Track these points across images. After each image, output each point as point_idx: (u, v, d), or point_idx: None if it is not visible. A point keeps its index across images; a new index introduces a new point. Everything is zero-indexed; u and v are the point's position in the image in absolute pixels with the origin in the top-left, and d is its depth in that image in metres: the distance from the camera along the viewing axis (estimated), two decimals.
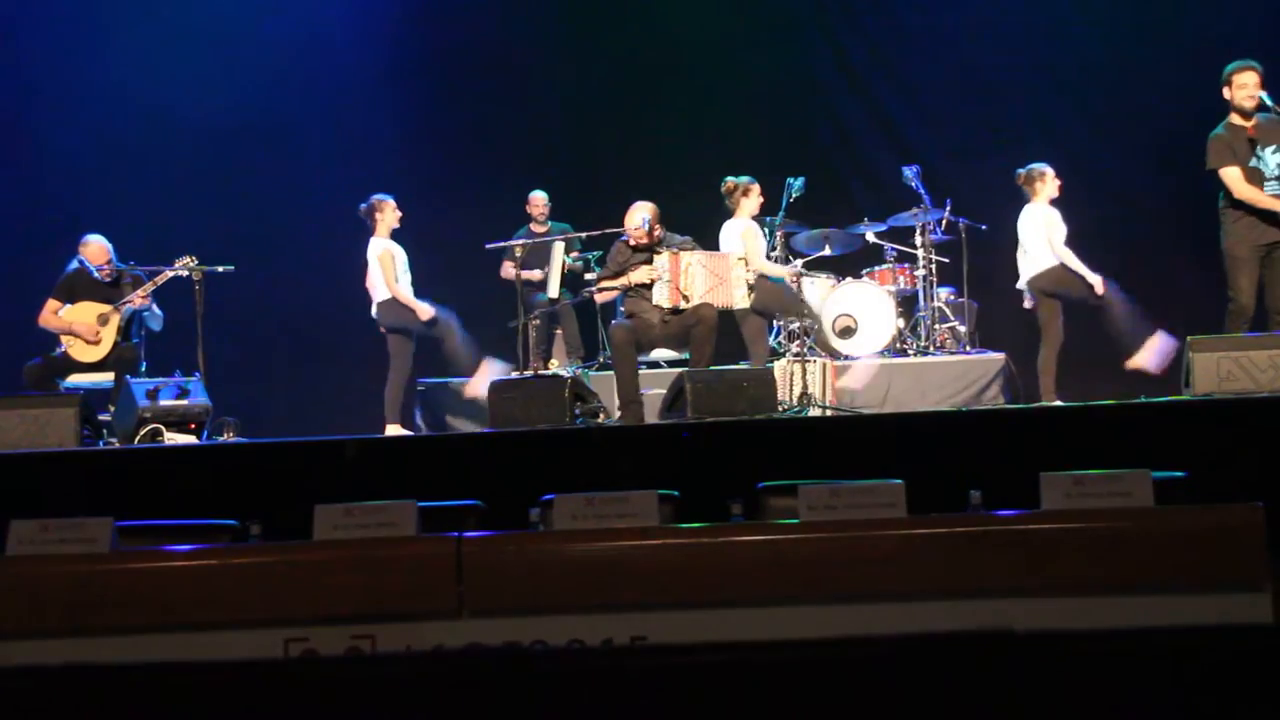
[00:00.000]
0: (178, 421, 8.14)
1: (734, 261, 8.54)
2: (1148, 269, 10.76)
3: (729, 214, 9.51)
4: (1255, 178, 7.86)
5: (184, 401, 8.21)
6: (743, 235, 9.37)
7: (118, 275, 8.96)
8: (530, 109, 11.74)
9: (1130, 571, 3.83)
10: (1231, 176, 7.88)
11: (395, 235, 9.63)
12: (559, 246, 10.22)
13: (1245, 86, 7.84)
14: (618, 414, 8.23)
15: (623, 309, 8.68)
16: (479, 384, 9.17)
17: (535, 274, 10.12)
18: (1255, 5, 10.69)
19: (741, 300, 8.55)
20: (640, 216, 8.58)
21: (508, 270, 10.01)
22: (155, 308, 8.97)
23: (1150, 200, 10.80)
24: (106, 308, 8.82)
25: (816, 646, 2.96)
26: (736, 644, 3.18)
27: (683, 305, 8.38)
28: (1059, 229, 8.93)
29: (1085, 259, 9.03)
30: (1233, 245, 7.94)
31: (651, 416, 8.25)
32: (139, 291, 8.84)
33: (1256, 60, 7.95)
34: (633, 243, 8.61)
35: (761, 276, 9.13)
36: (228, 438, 8.31)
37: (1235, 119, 7.92)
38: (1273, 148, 7.85)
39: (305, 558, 4.00)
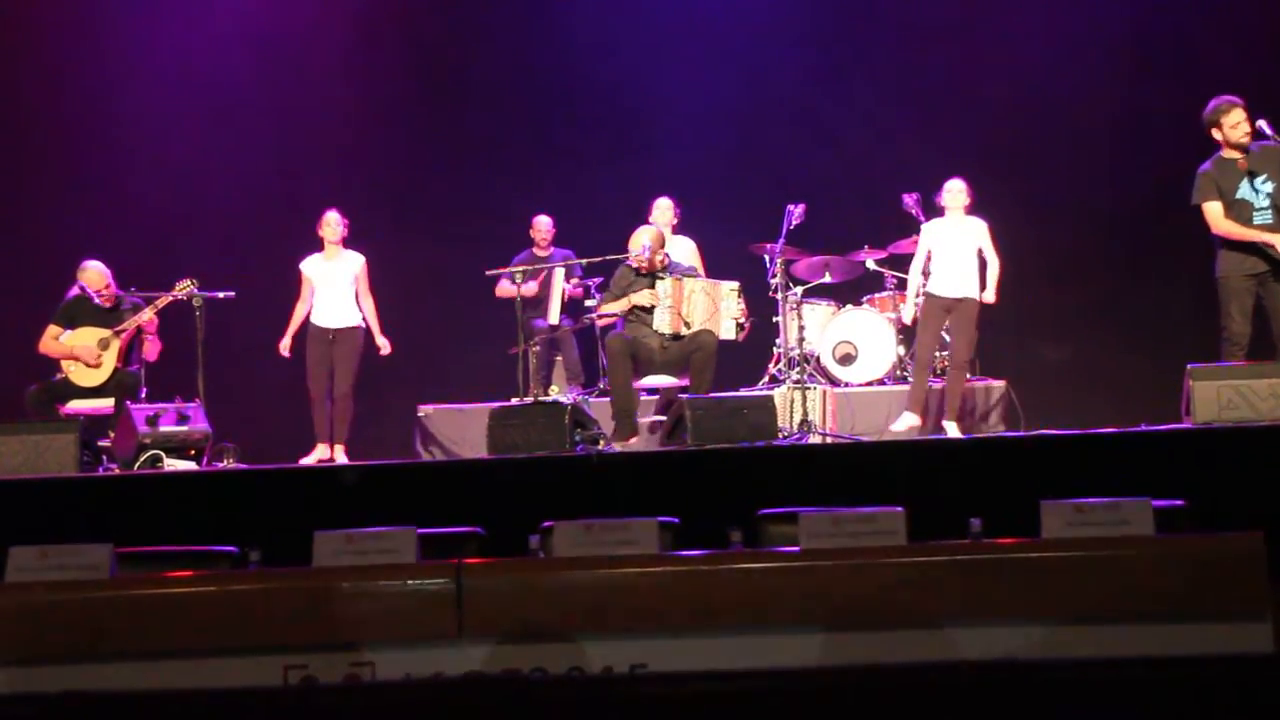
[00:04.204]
0: (178, 447, 8.13)
1: (726, 292, 8.51)
2: (1146, 297, 10.78)
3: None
4: (1243, 209, 7.89)
5: (184, 427, 8.20)
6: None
7: (117, 301, 8.97)
8: (531, 134, 11.77)
9: (1130, 600, 3.83)
10: (1211, 211, 7.93)
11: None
12: (559, 273, 10.22)
13: (1238, 125, 7.89)
14: (611, 426, 8.21)
15: (623, 333, 8.68)
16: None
17: (531, 287, 10.04)
18: (1253, 36, 10.72)
19: (729, 333, 8.49)
20: (643, 242, 8.59)
21: (503, 288, 9.98)
22: (156, 336, 8.98)
23: (1149, 228, 10.80)
24: (107, 333, 8.83)
25: (817, 675, 2.95)
26: (737, 672, 3.17)
27: (683, 331, 8.38)
28: None
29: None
30: (1224, 274, 7.97)
31: (651, 443, 8.24)
32: (142, 315, 8.85)
33: (1263, 89, 8.02)
34: (635, 265, 8.62)
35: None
36: (228, 464, 8.30)
37: (1226, 153, 7.96)
38: (1263, 178, 7.87)
39: (305, 584, 3.99)
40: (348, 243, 9.70)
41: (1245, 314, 7.89)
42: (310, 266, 9.71)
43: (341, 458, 9.39)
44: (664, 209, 9.91)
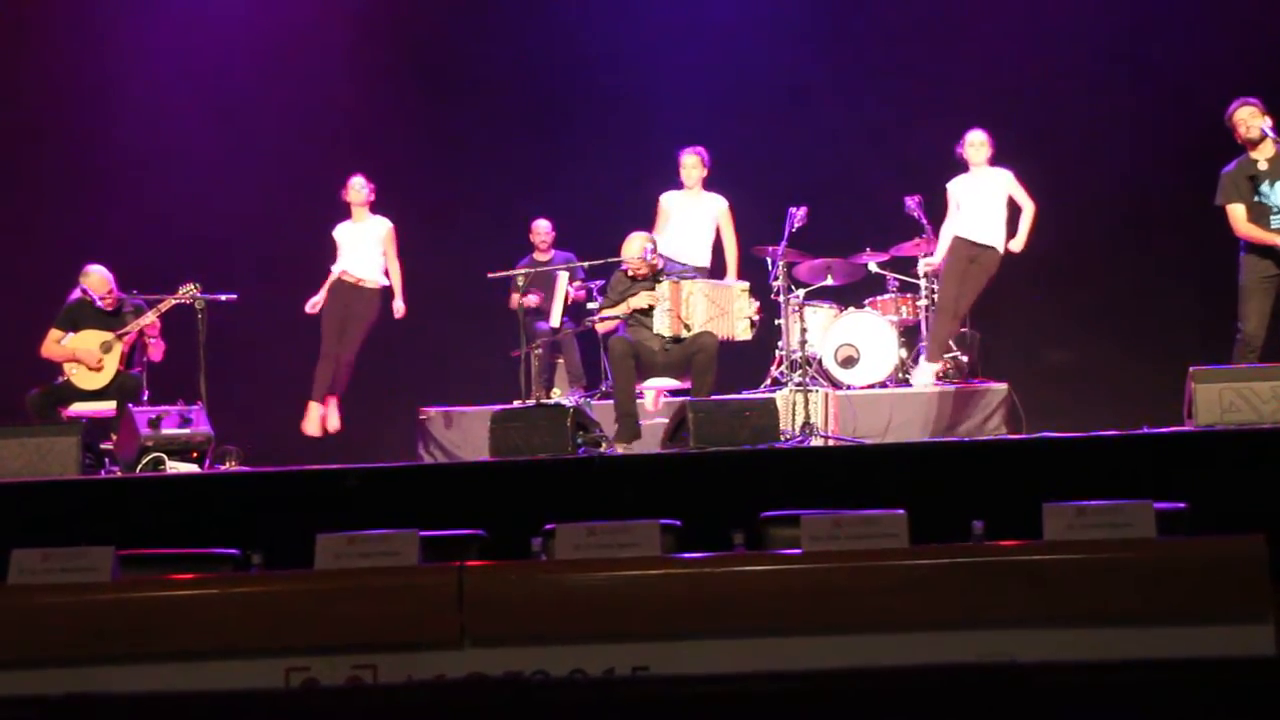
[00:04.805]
0: (180, 450, 8.14)
1: (738, 293, 8.51)
2: (1148, 299, 10.78)
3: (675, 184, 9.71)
4: (1261, 212, 7.93)
5: (186, 430, 8.21)
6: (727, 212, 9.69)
7: (119, 304, 8.97)
8: (531, 136, 11.77)
9: (1132, 603, 3.82)
10: (1234, 213, 7.98)
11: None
12: (563, 276, 10.21)
13: (1243, 121, 7.94)
14: (614, 428, 8.22)
15: (625, 336, 8.68)
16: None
17: (532, 299, 10.06)
18: (1256, 37, 10.72)
19: (744, 333, 8.51)
20: (638, 247, 8.58)
21: (515, 302, 9.97)
22: (160, 337, 8.98)
23: (1151, 230, 10.81)
24: (109, 336, 8.83)
25: (819, 678, 2.95)
26: (739, 675, 3.17)
27: (683, 334, 8.37)
28: None
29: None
30: (1242, 275, 8.02)
31: (653, 446, 8.24)
32: (145, 318, 8.85)
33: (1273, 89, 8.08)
34: (631, 273, 8.62)
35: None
36: (230, 466, 8.31)
37: (1254, 153, 8.00)
38: None
39: (307, 587, 4.00)
40: (375, 208, 9.83)
41: (1261, 316, 7.93)
42: (340, 232, 9.85)
43: (333, 414, 9.58)
44: (692, 165, 9.66)
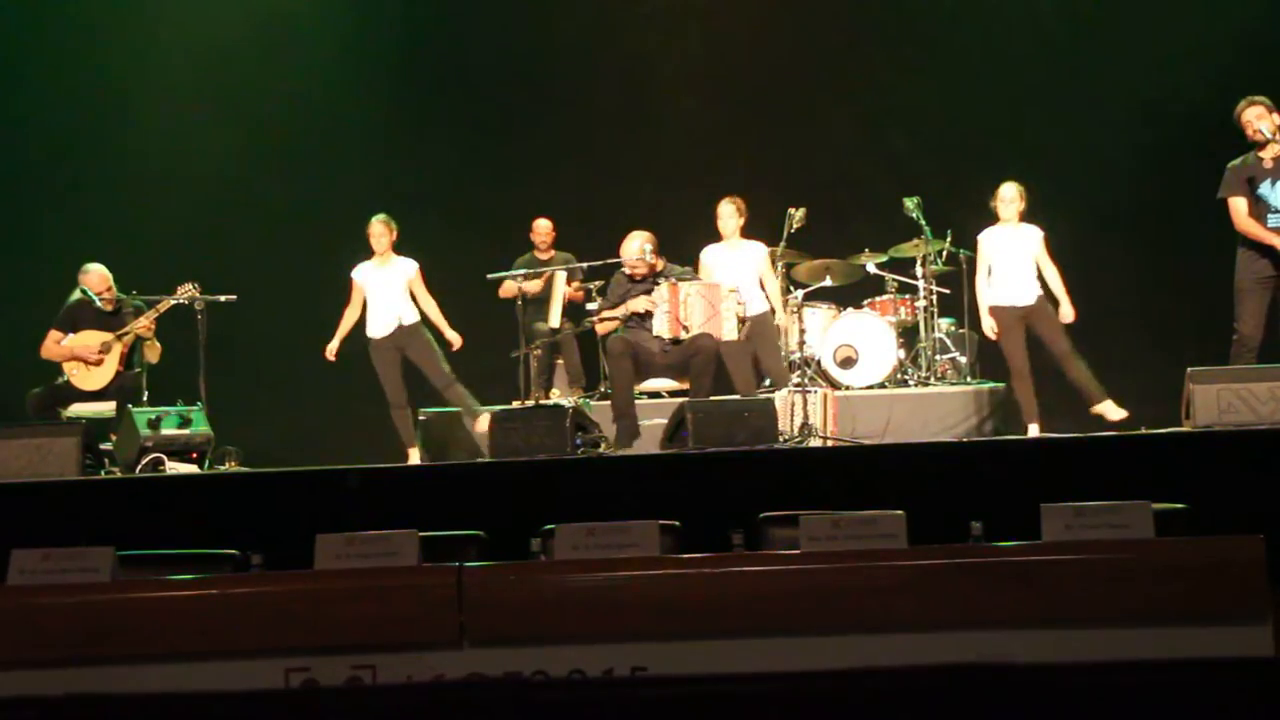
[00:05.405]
0: (179, 451, 8.15)
1: (725, 293, 8.53)
2: (1147, 300, 10.79)
3: (717, 236, 9.58)
4: (1262, 209, 7.92)
5: (186, 431, 8.22)
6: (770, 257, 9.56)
7: (119, 305, 8.98)
8: (534, 137, 11.78)
9: (1130, 603, 3.83)
10: (1235, 208, 7.97)
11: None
12: (560, 276, 10.22)
13: (1250, 124, 7.93)
14: (612, 427, 8.22)
15: (624, 335, 8.69)
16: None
17: (535, 284, 10.03)
18: (1252, 27, 10.72)
19: (731, 333, 8.51)
20: (637, 246, 8.59)
21: (507, 287, 9.92)
22: (154, 340, 8.96)
23: (1152, 231, 10.81)
24: (109, 336, 8.83)
25: (818, 678, 2.96)
26: (738, 675, 3.17)
27: (682, 336, 8.39)
28: None
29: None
30: (1238, 275, 8.00)
31: (652, 447, 8.25)
32: (143, 320, 8.86)
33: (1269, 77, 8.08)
34: (631, 273, 8.64)
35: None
36: (229, 467, 8.32)
37: (1257, 151, 8.00)
38: None
39: (306, 588, 4.00)
40: (399, 248, 9.60)
41: (1257, 317, 7.91)
42: (361, 274, 9.61)
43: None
44: (729, 215, 9.56)
